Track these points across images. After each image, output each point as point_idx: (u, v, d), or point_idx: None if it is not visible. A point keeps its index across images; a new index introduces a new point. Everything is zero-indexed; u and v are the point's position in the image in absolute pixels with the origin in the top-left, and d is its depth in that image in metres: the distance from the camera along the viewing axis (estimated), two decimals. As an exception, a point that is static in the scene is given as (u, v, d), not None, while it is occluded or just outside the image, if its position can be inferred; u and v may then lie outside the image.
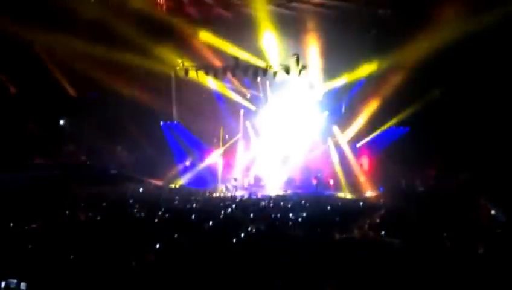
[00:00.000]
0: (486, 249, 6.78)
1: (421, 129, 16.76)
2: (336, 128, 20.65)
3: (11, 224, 7.21)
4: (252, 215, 10.70)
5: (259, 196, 17.36)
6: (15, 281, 4.39)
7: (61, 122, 20.42)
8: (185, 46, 18.72)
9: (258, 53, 18.76)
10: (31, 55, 16.32)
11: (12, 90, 17.62)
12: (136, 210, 10.89)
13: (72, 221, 8.44)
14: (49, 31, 15.04)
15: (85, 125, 19.34)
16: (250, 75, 19.15)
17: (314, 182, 20.42)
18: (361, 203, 14.34)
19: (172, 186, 19.90)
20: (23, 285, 4.37)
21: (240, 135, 21.81)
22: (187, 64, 19.35)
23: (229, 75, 19.50)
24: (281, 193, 18.78)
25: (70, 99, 19.08)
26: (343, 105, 20.31)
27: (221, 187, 19.87)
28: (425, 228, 9.05)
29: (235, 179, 20.11)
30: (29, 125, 18.01)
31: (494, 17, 13.05)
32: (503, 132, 14.31)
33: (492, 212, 11.61)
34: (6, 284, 4.36)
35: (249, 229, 8.53)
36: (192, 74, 19.42)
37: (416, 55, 15.56)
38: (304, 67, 18.73)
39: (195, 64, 19.39)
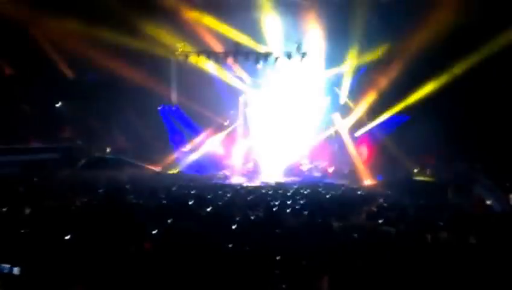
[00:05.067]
0: (481, 239, 6.75)
1: (422, 118, 16.66)
2: (336, 116, 20.49)
3: (4, 209, 7.10)
4: (250, 202, 10.64)
5: (258, 183, 17.31)
6: (8, 266, 4.32)
7: (58, 105, 20.18)
8: (186, 30, 18.43)
9: (260, 38, 18.49)
10: (28, 36, 16.01)
11: (7, 71, 17.37)
12: (133, 196, 10.79)
13: (67, 207, 8.34)
14: (46, 11, 14.75)
15: (82, 108, 19.12)
16: (252, 60, 18.93)
17: (313, 169, 20.39)
18: (359, 192, 14.31)
19: (171, 172, 19.81)
20: (16, 270, 4.30)
21: (239, 121, 21.65)
22: (187, 48, 19.07)
23: (230, 60, 19.26)
24: (280, 180, 18.73)
25: (67, 81, 18.83)
26: (343, 93, 20.12)
27: (220, 173, 19.78)
28: (422, 218, 9.03)
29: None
30: (24, 108, 17.81)
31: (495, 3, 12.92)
32: (503, 121, 14.26)
33: (488, 201, 11.61)
34: (-1, 270, 4.29)
35: (248, 215, 8.47)
36: (193, 58, 19.16)
37: (419, 43, 15.42)
38: (305, 53, 18.51)
39: (196, 49, 19.13)
